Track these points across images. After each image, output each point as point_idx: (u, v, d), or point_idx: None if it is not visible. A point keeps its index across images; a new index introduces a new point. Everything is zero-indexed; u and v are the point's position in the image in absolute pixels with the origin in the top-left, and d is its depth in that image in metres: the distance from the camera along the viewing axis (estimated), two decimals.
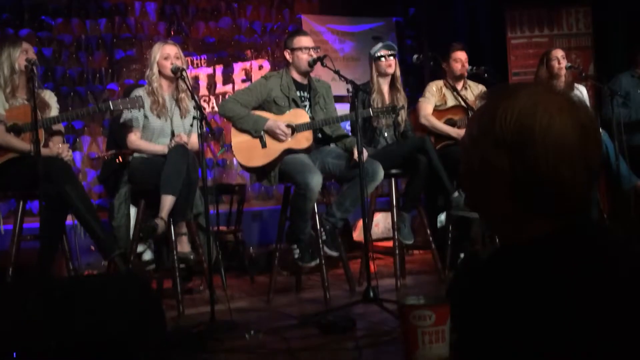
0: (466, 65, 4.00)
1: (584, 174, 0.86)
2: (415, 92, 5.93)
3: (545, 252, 0.88)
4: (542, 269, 0.86)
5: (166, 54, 3.31)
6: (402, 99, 3.78)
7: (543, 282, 0.85)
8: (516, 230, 0.92)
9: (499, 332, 0.89)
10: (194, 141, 3.37)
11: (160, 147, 3.31)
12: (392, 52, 3.77)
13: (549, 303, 0.82)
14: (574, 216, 0.88)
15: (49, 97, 3.32)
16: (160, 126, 3.34)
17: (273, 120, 3.30)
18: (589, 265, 0.83)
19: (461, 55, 4.02)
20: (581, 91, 4.20)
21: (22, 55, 3.15)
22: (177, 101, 3.38)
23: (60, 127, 3.33)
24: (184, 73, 3.22)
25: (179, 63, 3.30)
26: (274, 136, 3.29)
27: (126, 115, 3.29)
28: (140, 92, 3.35)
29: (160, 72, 3.34)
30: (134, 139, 3.33)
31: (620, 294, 0.80)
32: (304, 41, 3.41)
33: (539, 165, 0.84)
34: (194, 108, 3.12)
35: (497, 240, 1.03)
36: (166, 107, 3.34)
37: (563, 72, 4.10)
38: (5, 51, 3.15)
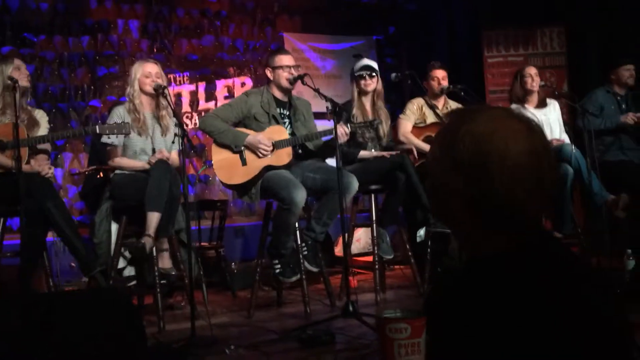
0: (444, 82, 4.12)
1: (537, 195, 0.92)
2: (396, 108, 6.05)
3: (502, 267, 0.93)
4: (500, 282, 0.92)
5: (147, 72, 3.36)
6: (383, 115, 3.87)
7: (500, 295, 0.90)
8: (476, 243, 0.98)
9: (464, 342, 0.94)
10: (174, 158, 3.42)
11: (140, 163, 3.35)
12: (371, 72, 3.86)
13: (502, 315, 0.88)
14: (529, 232, 0.95)
15: (40, 116, 3.36)
16: (141, 143, 3.37)
17: (253, 135, 3.35)
18: (540, 279, 0.89)
19: (439, 74, 4.14)
20: (554, 106, 4.32)
21: (14, 72, 3.18)
22: (158, 119, 3.41)
23: (47, 146, 3.35)
24: (165, 91, 3.28)
25: (160, 81, 3.35)
26: (255, 151, 3.34)
27: (105, 138, 3.30)
28: (120, 109, 3.38)
29: (141, 90, 3.38)
30: (117, 160, 3.36)
31: (567, 305, 0.86)
32: (284, 60, 3.48)
33: (494, 188, 0.90)
34: (175, 125, 3.16)
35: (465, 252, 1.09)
36: (147, 125, 3.37)
37: (536, 88, 4.22)
38: None
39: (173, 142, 3.42)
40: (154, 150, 3.39)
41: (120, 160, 3.37)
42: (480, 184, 0.91)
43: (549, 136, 4.15)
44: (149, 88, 3.35)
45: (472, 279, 0.98)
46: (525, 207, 0.92)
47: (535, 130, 0.94)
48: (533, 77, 4.19)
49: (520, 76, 4.23)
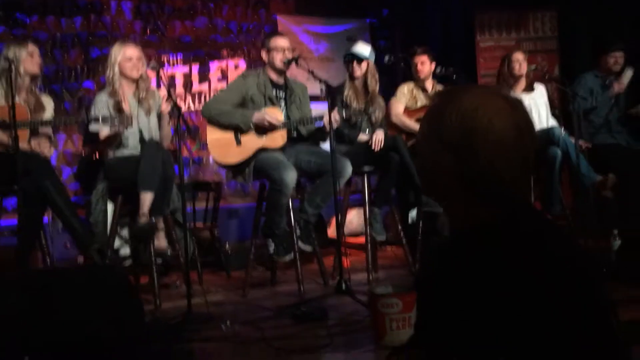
0: (428, 66, 4.14)
1: (520, 168, 0.97)
2: (389, 91, 6.08)
3: (487, 235, 0.99)
4: (484, 251, 0.97)
5: (128, 56, 3.35)
6: (377, 103, 3.91)
7: (484, 263, 0.95)
8: (465, 216, 1.03)
9: (450, 312, 0.99)
10: (165, 135, 3.44)
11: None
12: (359, 57, 3.88)
13: (487, 283, 0.93)
14: (512, 202, 1.00)
15: (47, 102, 3.39)
16: (129, 128, 3.37)
17: (260, 112, 3.38)
18: (523, 246, 0.94)
19: (423, 58, 4.16)
20: (541, 90, 4.37)
21: (27, 57, 3.19)
22: (140, 101, 3.42)
23: (49, 130, 3.36)
24: (160, 73, 3.29)
25: (140, 64, 3.36)
26: (263, 126, 3.36)
27: (94, 127, 3.30)
28: (103, 96, 3.37)
29: (121, 73, 3.37)
30: (108, 136, 3.34)
31: (547, 275, 0.90)
32: (280, 42, 3.51)
33: (480, 162, 0.95)
34: (173, 107, 3.18)
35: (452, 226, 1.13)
36: (130, 108, 3.38)
37: (524, 72, 4.26)
38: (11, 50, 3.19)
39: (159, 121, 3.42)
40: (141, 132, 3.40)
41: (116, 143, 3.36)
42: (467, 159, 0.96)
43: (536, 121, 4.23)
44: (130, 72, 3.35)
45: (457, 252, 1.03)
46: (510, 180, 0.97)
47: (518, 107, 0.99)
48: (521, 63, 4.24)
49: (508, 61, 4.27)
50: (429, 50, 4.24)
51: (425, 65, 4.16)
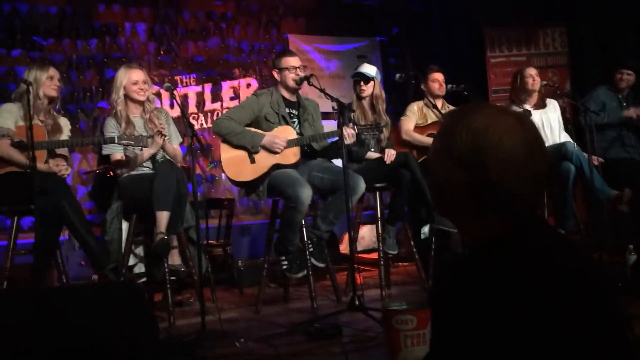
0: (443, 85, 4.19)
1: (532, 184, 0.99)
2: (399, 109, 6.11)
3: (499, 251, 0.99)
4: (496, 266, 0.97)
5: (134, 79, 3.41)
6: (383, 119, 3.94)
7: (497, 278, 0.95)
8: (477, 232, 1.04)
9: (465, 329, 0.99)
10: (175, 153, 3.47)
11: (144, 155, 3.36)
12: (366, 77, 3.92)
13: (500, 299, 0.93)
14: (525, 217, 1.01)
15: (65, 123, 3.47)
16: (138, 149, 3.41)
17: (270, 135, 3.42)
18: (535, 261, 0.95)
19: (438, 76, 4.21)
20: (554, 105, 4.38)
21: (47, 80, 3.27)
22: (145, 122, 3.46)
23: (65, 151, 3.43)
24: (174, 92, 3.36)
25: (146, 87, 3.42)
26: (271, 149, 3.40)
27: (108, 150, 3.37)
28: (112, 121, 3.43)
29: (127, 96, 3.43)
30: (119, 160, 3.41)
31: (562, 288, 0.91)
32: (291, 61, 3.55)
33: (491, 179, 0.97)
34: (186, 126, 3.23)
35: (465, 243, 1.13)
36: (137, 129, 3.41)
37: (537, 87, 4.28)
38: (32, 73, 3.28)
39: (182, 142, 3.48)
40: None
41: (128, 169, 3.40)
42: (479, 176, 0.97)
43: (549, 136, 4.23)
44: (137, 96, 3.41)
45: (471, 267, 1.04)
46: (521, 196, 0.98)
47: (527, 124, 1.01)
48: (534, 78, 4.26)
49: (520, 77, 4.30)
50: (443, 69, 4.29)
51: (443, 82, 4.21)
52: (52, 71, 3.38)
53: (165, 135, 3.38)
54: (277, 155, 3.43)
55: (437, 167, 1.05)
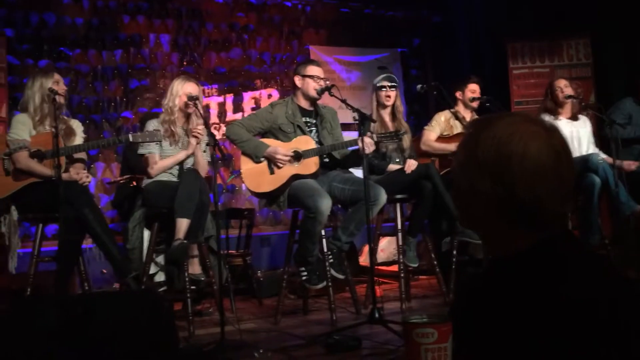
0: (476, 95, 4.17)
1: (559, 192, 0.97)
2: (420, 120, 6.09)
3: (525, 264, 0.97)
4: (522, 280, 0.96)
5: (189, 91, 3.46)
6: (403, 128, 3.93)
7: (522, 292, 0.94)
8: (503, 244, 1.02)
9: (489, 343, 0.98)
10: (204, 163, 3.52)
11: (175, 157, 3.44)
12: (393, 83, 3.93)
13: (524, 313, 0.91)
14: (552, 229, 0.99)
15: (76, 126, 3.50)
16: (175, 153, 3.47)
17: (273, 147, 3.43)
18: (562, 275, 0.93)
19: (475, 87, 4.20)
20: (585, 121, 4.33)
21: (53, 86, 3.32)
22: (187, 132, 3.51)
23: (83, 155, 3.48)
24: (197, 102, 3.39)
25: (197, 101, 3.47)
26: (274, 162, 3.42)
27: (144, 149, 3.43)
28: (155, 122, 3.49)
29: (178, 106, 3.48)
30: (153, 171, 3.45)
31: (588, 305, 0.88)
32: (315, 70, 3.57)
33: (517, 187, 0.95)
34: (207, 135, 3.26)
35: (488, 255, 1.11)
36: (179, 137, 3.48)
37: (564, 101, 4.24)
38: (38, 81, 3.34)
39: (205, 152, 3.52)
40: (181, 163, 3.48)
41: (160, 163, 3.45)
42: (505, 184, 0.96)
43: (576, 149, 4.17)
44: (186, 107, 3.46)
45: (495, 280, 1.02)
46: (547, 204, 0.96)
47: (552, 131, 0.99)
48: (563, 89, 4.23)
49: (550, 90, 4.29)
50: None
51: (475, 94, 4.19)
52: (57, 76, 3.42)
53: (200, 139, 3.41)
54: (297, 165, 3.44)
55: (461, 177, 1.03)
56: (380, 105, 3.96)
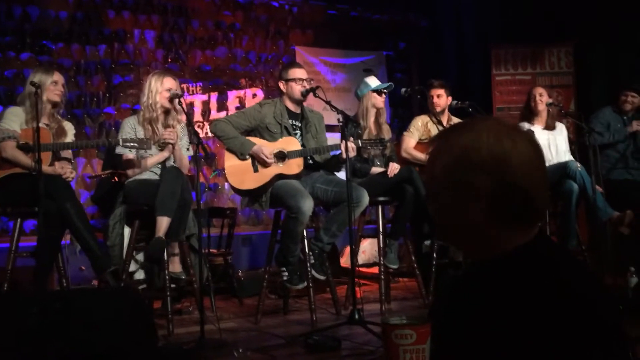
0: (441, 100, 4.18)
1: (545, 186, 1.02)
2: (404, 123, 6.13)
3: (505, 267, 1.00)
4: (501, 282, 0.98)
5: (168, 87, 3.44)
6: (385, 130, 3.97)
7: (503, 295, 0.95)
8: (485, 247, 1.03)
9: (467, 345, 0.99)
10: (185, 161, 3.49)
11: (156, 157, 3.43)
12: (384, 89, 3.95)
13: (506, 316, 0.93)
14: (535, 228, 1.01)
15: (69, 127, 3.50)
16: (154, 153, 3.45)
17: (258, 146, 3.44)
18: (542, 278, 0.95)
19: (434, 92, 4.20)
20: (561, 129, 4.39)
21: (51, 84, 3.29)
22: (167, 128, 3.48)
23: (69, 154, 3.46)
24: (180, 99, 3.38)
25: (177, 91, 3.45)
26: (259, 161, 3.43)
27: (120, 150, 3.39)
28: (131, 121, 3.47)
29: (160, 103, 3.45)
30: (133, 173, 3.44)
31: (565, 308, 0.91)
32: (298, 72, 3.58)
33: (517, 181, 0.98)
34: (191, 134, 3.24)
35: (468, 259, 1.12)
36: (157, 135, 3.45)
37: (541, 108, 4.30)
38: (37, 77, 3.29)
39: (188, 149, 3.51)
40: (164, 160, 3.47)
41: (137, 171, 3.43)
42: (506, 179, 0.98)
43: (554, 156, 4.24)
44: (167, 103, 3.43)
45: (475, 283, 1.04)
46: (538, 195, 1.00)
47: (527, 131, 1.05)
48: (537, 97, 4.28)
49: (529, 96, 4.35)
50: (446, 83, 4.28)
51: (441, 98, 4.20)
52: (57, 76, 3.40)
53: (173, 141, 3.40)
54: (281, 165, 3.44)
55: (450, 182, 1.01)
56: (373, 107, 3.96)
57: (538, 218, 1.02)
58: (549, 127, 4.31)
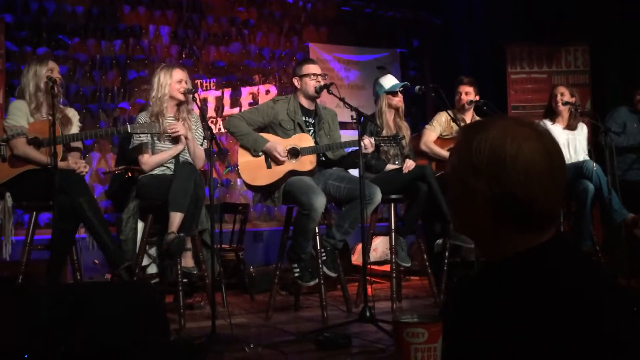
0: (470, 97, 4.17)
1: (553, 191, 0.99)
2: (417, 121, 6.11)
3: (518, 267, 0.99)
4: (514, 283, 0.97)
5: (179, 78, 3.44)
6: (404, 129, 3.95)
7: (515, 295, 0.95)
8: (498, 247, 1.03)
9: (479, 346, 0.99)
10: (200, 153, 3.49)
11: (169, 152, 3.42)
12: (402, 86, 3.95)
13: (515, 318, 0.93)
14: (546, 231, 1.00)
15: (72, 115, 3.48)
16: (166, 147, 3.45)
17: (272, 143, 3.43)
18: (555, 279, 0.94)
19: (462, 89, 4.20)
20: (582, 128, 4.35)
21: (47, 73, 3.30)
22: (178, 120, 3.48)
23: (79, 144, 3.47)
24: (194, 95, 3.38)
25: (187, 87, 3.45)
26: (272, 158, 3.43)
27: (136, 139, 3.41)
28: (143, 116, 3.47)
29: (170, 96, 3.45)
30: (147, 158, 3.44)
31: (580, 308, 0.90)
32: (312, 68, 3.57)
33: (512, 187, 0.97)
34: (205, 129, 3.25)
35: (481, 258, 1.12)
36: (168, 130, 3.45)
37: (561, 108, 4.26)
38: (32, 69, 3.31)
39: (202, 145, 3.50)
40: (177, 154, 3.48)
41: (154, 159, 3.42)
42: (501, 185, 0.97)
43: (572, 156, 4.19)
44: (179, 95, 3.43)
45: (488, 283, 1.03)
46: (542, 204, 0.97)
47: (543, 133, 1.01)
48: (558, 97, 4.25)
49: (550, 95, 4.32)
50: (475, 82, 4.27)
51: (469, 95, 4.19)
52: (52, 64, 3.38)
53: (182, 134, 3.38)
54: (293, 161, 3.44)
55: (456, 181, 1.04)
56: (391, 107, 3.96)
57: (547, 223, 1.00)
58: (571, 126, 4.27)
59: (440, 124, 4.21)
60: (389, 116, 3.97)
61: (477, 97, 4.19)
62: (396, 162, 3.94)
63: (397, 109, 3.97)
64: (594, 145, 4.47)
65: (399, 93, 3.95)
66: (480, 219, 1.01)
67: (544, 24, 5.88)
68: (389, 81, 3.99)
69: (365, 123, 3.20)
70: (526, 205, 0.97)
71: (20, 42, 5.41)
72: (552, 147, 1.00)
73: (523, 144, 0.97)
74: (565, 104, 4.28)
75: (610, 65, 5.78)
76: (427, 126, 4.26)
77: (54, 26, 5.56)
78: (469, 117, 4.21)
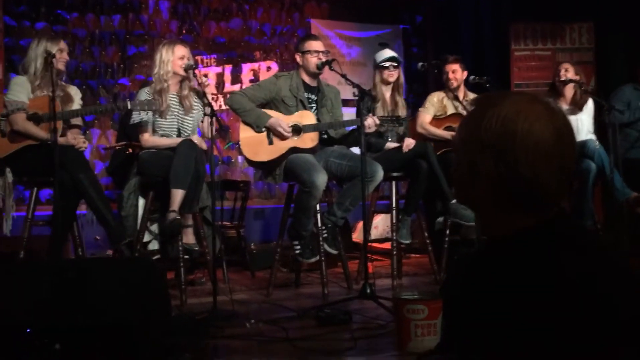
0: (457, 75, 4.11)
1: (559, 172, 0.97)
2: (419, 99, 6.06)
3: (521, 244, 0.98)
4: (516, 259, 0.96)
5: (181, 54, 3.41)
6: (401, 106, 3.92)
7: (516, 271, 0.94)
8: (500, 225, 1.02)
9: (479, 323, 0.98)
10: (206, 132, 3.48)
11: (171, 140, 3.42)
12: (396, 63, 3.90)
13: (516, 295, 0.92)
14: (551, 210, 0.99)
15: (74, 92, 3.47)
16: (167, 125, 3.44)
17: (276, 118, 3.41)
18: (559, 256, 0.93)
19: (451, 67, 4.12)
20: (587, 107, 4.31)
21: (57, 53, 3.26)
22: (181, 99, 3.46)
23: (79, 121, 3.45)
24: (195, 71, 3.35)
25: (190, 61, 3.42)
26: (275, 133, 3.41)
27: (136, 117, 3.38)
28: (144, 92, 3.44)
29: (173, 72, 3.43)
30: (147, 137, 3.43)
31: (582, 285, 0.89)
32: (314, 45, 3.53)
33: (519, 165, 0.95)
34: (205, 105, 3.23)
35: (482, 235, 1.11)
36: (170, 106, 3.43)
37: (564, 85, 4.21)
38: (42, 45, 3.27)
39: (202, 122, 3.48)
40: (179, 131, 3.46)
41: (154, 140, 3.42)
42: (507, 162, 0.95)
43: (575, 135, 4.16)
44: (181, 71, 3.40)
45: (489, 260, 1.02)
46: (548, 184, 0.96)
47: (556, 111, 0.99)
48: (562, 72, 4.20)
49: (554, 72, 4.27)
50: (461, 59, 4.20)
51: (456, 73, 4.13)
52: (62, 44, 3.36)
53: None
54: (295, 138, 3.43)
55: (462, 155, 1.02)
56: (384, 82, 3.93)
57: (551, 202, 0.98)
58: (576, 104, 4.22)
59: (433, 105, 4.17)
60: (384, 91, 3.93)
61: (465, 73, 4.12)
62: (390, 139, 3.92)
63: (394, 86, 3.93)
64: (597, 124, 4.45)
65: (392, 68, 3.90)
66: (483, 194, 1.00)
67: (549, 1, 5.79)
68: (381, 55, 3.96)
69: (361, 98, 3.17)
70: (530, 185, 0.95)
71: (19, 17, 5.36)
72: (564, 128, 0.98)
73: (535, 123, 0.95)
74: (569, 81, 4.24)
75: (614, 44, 5.71)
76: (420, 109, 4.22)
77: (52, 1, 5.49)
78: (461, 94, 4.16)
